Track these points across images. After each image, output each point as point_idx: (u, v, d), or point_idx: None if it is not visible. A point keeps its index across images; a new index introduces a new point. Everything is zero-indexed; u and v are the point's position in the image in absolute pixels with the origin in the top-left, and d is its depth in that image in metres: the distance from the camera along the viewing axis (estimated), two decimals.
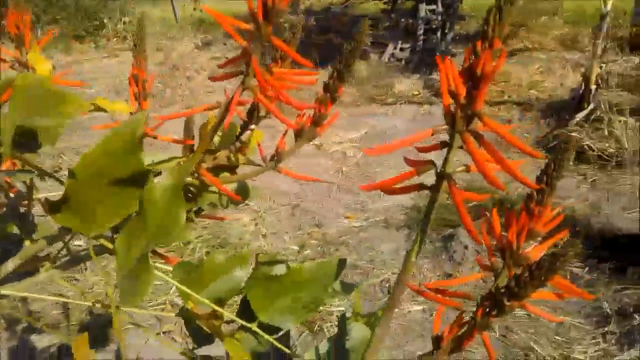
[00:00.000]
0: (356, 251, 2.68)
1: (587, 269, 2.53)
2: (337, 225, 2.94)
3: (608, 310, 2.29)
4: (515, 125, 4.39)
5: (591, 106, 3.70)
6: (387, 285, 2.47)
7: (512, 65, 5.10)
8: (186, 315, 0.75)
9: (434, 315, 2.26)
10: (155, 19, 7.08)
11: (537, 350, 2.08)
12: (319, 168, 3.62)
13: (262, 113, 0.66)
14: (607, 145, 3.49)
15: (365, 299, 2.39)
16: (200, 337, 0.80)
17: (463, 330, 0.48)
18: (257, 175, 0.62)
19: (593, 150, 3.48)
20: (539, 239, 0.55)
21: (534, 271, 0.41)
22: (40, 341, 2.26)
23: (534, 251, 0.53)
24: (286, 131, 0.61)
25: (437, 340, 0.48)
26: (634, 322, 2.18)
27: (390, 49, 5.32)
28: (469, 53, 0.43)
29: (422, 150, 0.51)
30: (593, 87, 3.69)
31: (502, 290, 0.44)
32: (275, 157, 0.60)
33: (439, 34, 4.87)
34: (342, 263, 0.63)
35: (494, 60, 0.42)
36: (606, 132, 3.53)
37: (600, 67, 3.68)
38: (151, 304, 2.35)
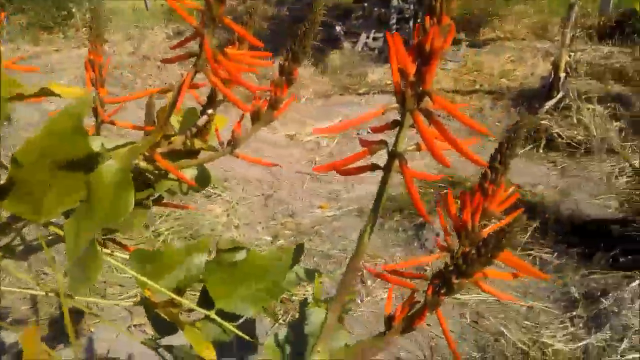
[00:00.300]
0: (329, 240, 2.68)
1: (555, 254, 2.58)
2: (311, 215, 2.93)
3: (576, 295, 2.33)
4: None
5: (560, 94, 3.75)
6: (359, 274, 2.48)
7: (484, 54, 5.14)
8: (147, 305, 0.74)
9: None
10: (126, 8, 6.95)
11: (507, 335, 2.11)
12: (292, 158, 3.61)
13: (220, 97, 0.65)
14: (575, 132, 3.55)
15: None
16: (163, 327, 0.79)
17: (415, 309, 0.48)
18: (213, 160, 0.61)
19: (562, 138, 3.53)
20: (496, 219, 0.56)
21: (481, 248, 0.41)
22: (8, 337, 2.21)
23: (491, 230, 0.53)
24: (243, 115, 0.60)
25: (389, 321, 0.48)
26: (601, 306, 2.23)
27: (363, 38, 5.31)
28: (418, 30, 0.43)
29: (375, 130, 0.51)
30: (562, 75, 3.74)
31: (451, 269, 0.44)
32: (232, 142, 0.59)
33: (411, 23, 4.88)
34: (300, 248, 0.62)
35: (442, 36, 0.42)
36: (575, 120, 3.59)
37: (569, 56, 3.73)
38: (122, 296, 2.32)
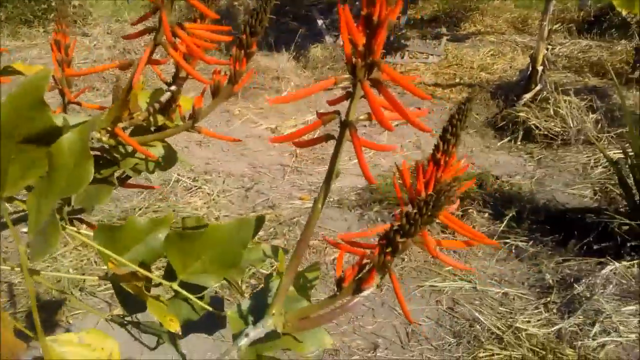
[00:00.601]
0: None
1: (531, 242, 2.62)
2: (291, 206, 2.95)
3: (550, 281, 2.38)
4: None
5: (538, 87, 3.80)
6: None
7: (465, 48, 5.19)
8: (115, 283, 0.75)
9: (383, 290, 2.31)
10: (107, 2, 6.89)
11: (482, 321, 2.15)
12: (274, 151, 3.61)
13: (183, 74, 0.66)
14: (553, 124, 3.60)
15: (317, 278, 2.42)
16: (131, 304, 0.80)
17: (363, 271, 0.50)
18: (174, 134, 0.62)
19: (540, 130, 3.58)
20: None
21: (422, 208, 0.43)
22: None
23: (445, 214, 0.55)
24: (204, 90, 0.61)
25: (339, 283, 0.50)
26: (574, 292, 2.27)
27: None
28: (365, 1, 0.44)
29: (331, 102, 0.53)
30: (540, 68, 3.79)
31: (395, 229, 0.46)
32: (193, 116, 0.60)
33: None
34: (260, 220, 0.64)
35: (389, 7, 0.43)
36: (552, 112, 3.64)
37: (547, 49, 3.78)
38: (100, 289, 2.32)
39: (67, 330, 2.16)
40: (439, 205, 0.43)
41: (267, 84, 4.44)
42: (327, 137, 0.50)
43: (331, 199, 3.00)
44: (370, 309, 2.24)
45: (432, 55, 4.94)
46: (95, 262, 2.42)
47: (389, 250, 0.47)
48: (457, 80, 4.53)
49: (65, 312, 2.21)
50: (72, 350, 0.60)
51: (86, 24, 5.83)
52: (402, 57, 4.90)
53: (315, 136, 0.52)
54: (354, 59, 0.46)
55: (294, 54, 4.87)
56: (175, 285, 0.63)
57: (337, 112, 0.49)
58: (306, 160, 3.45)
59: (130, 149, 0.72)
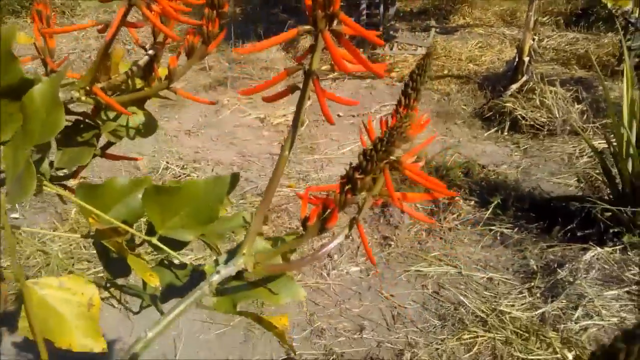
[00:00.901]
0: (297, 217, 2.72)
1: (516, 229, 2.66)
2: (279, 194, 2.97)
3: (534, 267, 2.41)
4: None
5: (525, 78, 3.84)
6: (326, 256, 2.52)
7: (453, 40, 5.21)
8: (95, 239, 0.76)
9: (370, 275, 2.34)
10: None
11: (466, 304, 2.18)
12: (264, 140, 3.63)
13: (161, 39, 0.68)
14: (539, 114, 3.64)
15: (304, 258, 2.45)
16: (114, 267, 0.82)
17: (326, 212, 0.52)
18: (150, 95, 0.64)
19: (526, 120, 3.62)
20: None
21: (377, 145, 0.45)
22: None
23: (405, 156, 0.58)
24: (179, 52, 0.63)
25: (304, 222, 0.52)
26: (558, 277, 2.31)
27: None
28: None
29: (298, 59, 0.55)
30: (526, 59, 3.82)
31: (354, 166, 0.48)
32: (168, 77, 0.62)
33: (381, 8, 4.92)
34: (235, 178, 0.66)
35: None
36: (538, 102, 3.68)
37: (533, 39, 3.81)
38: (90, 272, 2.33)
39: None
40: (392, 142, 0.45)
41: (256, 74, 4.46)
42: (293, 88, 0.52)
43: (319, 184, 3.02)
44: (357, 292, 2.27)
45: (420, 47, 4.96)
46: (83, 246, 2.43)
47: (348, 188, 0.49)
48: (445, 71, 4.56)
49: None
50: (52, 294, 0.62)
51: (74, 15, 5.81)
52: (392, 49, 4.92)
53: (282, 90, 0.55)
54: (314, 11, 0.48)
55: (283, 44, 4.88)
56: (154, 240, 0.65)
57: (302, 64, 0.51)
58: (294, 150, 3.47)
59: (111, 115, 0.74)
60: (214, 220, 0.65)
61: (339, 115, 3.93)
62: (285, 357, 1.97)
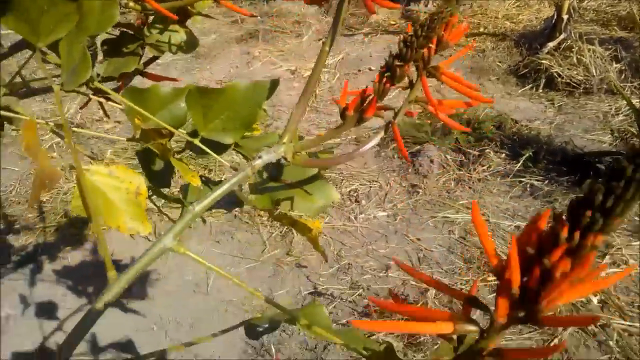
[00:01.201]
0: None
1: (546, 182, 2.65)
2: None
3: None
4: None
5: (562, 35, 3.75)
6: (354, 195, 2.56)
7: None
8: (140, 142, 0.79)
9: (397, 219, 2.37)
10: None
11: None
12: (294, 91, 3.65)
13: None
14: (575, 72, 3.56)
15: (334, 207, 2.49)
16: (157, 178, 0.86)
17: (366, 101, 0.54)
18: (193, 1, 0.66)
19: (562, 78, 3.55)
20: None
21: (418, 30, 0.47)
22: (17, 241, 2.32)
23: (442, 64, 0.59)
24: None
25: (343, 112, 0.54)
26: None
27: None
28: None
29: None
30: (565, 17, 3.73)
31: (394, 55, 0.49)
32: None
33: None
34: (274, 83, 0.68)
35: None
36: (575, 60, 3.60)
37: None
38: None
39: (94, 243, 2.27)
40: (433, 27, 0.46)
41: (288, 27, 4.45)
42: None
43: (349, 137, 3.04)
44: (383, 235, 2.31)
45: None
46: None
47: (387, 77, 0.50)
48: (481, 29, 4.47)
49: (91, 227, 2.31)
50: (102, 180, 0.66)
51: None
52: (426, 5, 4.84)
53: None
54: None
55: None
56: (196, 141, 0.68)
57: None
58: (325, 101, 3.49)
59: (154, 31, 0.78)
60: (253, 124, 0.68)
61: (370, 69, 3.91)
62: (313, 290, 2.03)
